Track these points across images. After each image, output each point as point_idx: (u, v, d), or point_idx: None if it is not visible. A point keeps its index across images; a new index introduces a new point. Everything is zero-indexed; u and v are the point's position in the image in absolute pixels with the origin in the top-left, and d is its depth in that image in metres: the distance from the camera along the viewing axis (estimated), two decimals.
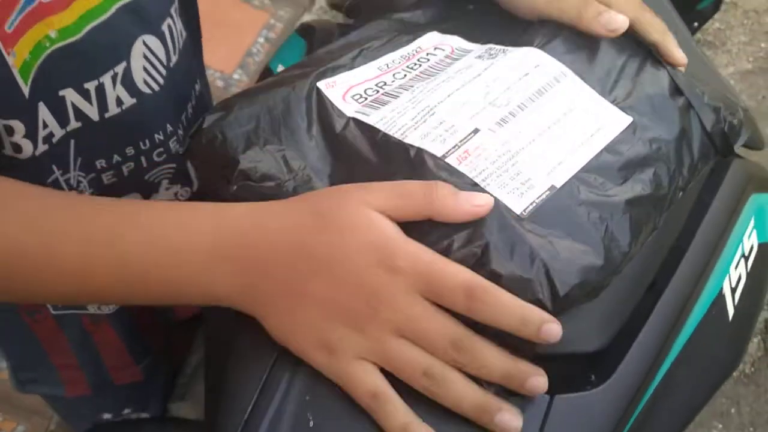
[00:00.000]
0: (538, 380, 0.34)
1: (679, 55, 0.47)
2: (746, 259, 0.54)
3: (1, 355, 1.08)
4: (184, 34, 0.57)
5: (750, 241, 0.55)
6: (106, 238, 0.38)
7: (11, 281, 0.41)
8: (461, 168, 0.37)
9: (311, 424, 0.33)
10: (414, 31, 0.50)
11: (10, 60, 0.41)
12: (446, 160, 0.38)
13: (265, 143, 0.40)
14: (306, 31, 0.67)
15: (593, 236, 0.36)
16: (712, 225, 0.51)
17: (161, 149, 0.56)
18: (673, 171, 0.42)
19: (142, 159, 0.55)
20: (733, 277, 0.51)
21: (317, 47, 0.63)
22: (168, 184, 0.60)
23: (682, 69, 0.48)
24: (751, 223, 0.57)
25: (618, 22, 0.45)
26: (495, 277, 0.34)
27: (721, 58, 2.15)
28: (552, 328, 0.33)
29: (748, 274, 0.53)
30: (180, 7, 0.56)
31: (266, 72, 0.67)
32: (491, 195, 0.36)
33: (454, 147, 0.38)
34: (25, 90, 0.43)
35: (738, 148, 0.54)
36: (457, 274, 0.34)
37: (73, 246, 0.38)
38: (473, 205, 0.35)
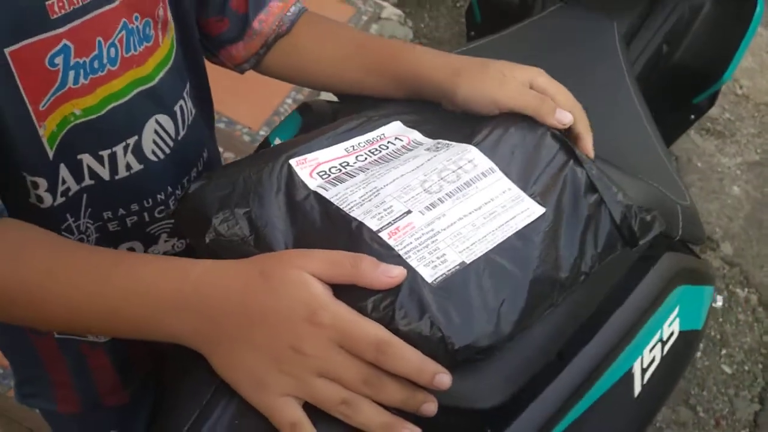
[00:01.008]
0: (429, 405, 0.42)
1: (589, 149, 0.59)
2: (663, 343, 0.60)
3: (8, 373, 1.16)
4: (194, 111, 0.67)
5: (671, 328, 0.61)
6: (94, 282, 0.46)
7: (14, 309, 0.49)
8: (390, 242, 0.45)
9: None
10: (382, 116, 0.59)
11: (40, 131, 0.51)
12: (380, 234, 0.45)
13: (236, 206, 0.49)
14: (304, 110, 0.77)
15: (489, 307, 0.43)
16: (631, 309, 0.57)
17: (162, 207, 0.65)
18: (576, 258, 0.48)
19: (145, 214, 0.64)
20: (646, 358, 0.57)
21: (312, 125, 0.72)
22: (167, 237, 0.69)
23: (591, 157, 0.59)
24: (675, 312, 0.62)
25: (568, 118, 0.57)
26: (400, 334, 0.41)
27: (729, 148, 2.22)
28: (443, 378, 0.41)
29: (663, 358, 0.59)
30: (192, 89, 0.66)
31: (264, 143, 0.76)
32: (410, 265, 0.43)
33: (387, 224, 0.46)
34: (50, 153, 0.53)
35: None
36: (369, 330, 0.41)
37: (67, 288, 0.46)
38: (389, 276, 0.42)
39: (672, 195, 0.71)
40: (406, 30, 2.39)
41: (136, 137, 0.59)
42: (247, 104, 1.90)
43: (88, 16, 0.51)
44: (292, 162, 0.52)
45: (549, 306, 0.46)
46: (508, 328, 0.43)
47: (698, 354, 1.71)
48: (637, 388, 0.55)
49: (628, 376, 0.55)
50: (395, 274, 0.42)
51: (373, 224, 0.46)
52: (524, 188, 0.51)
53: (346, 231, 0.46)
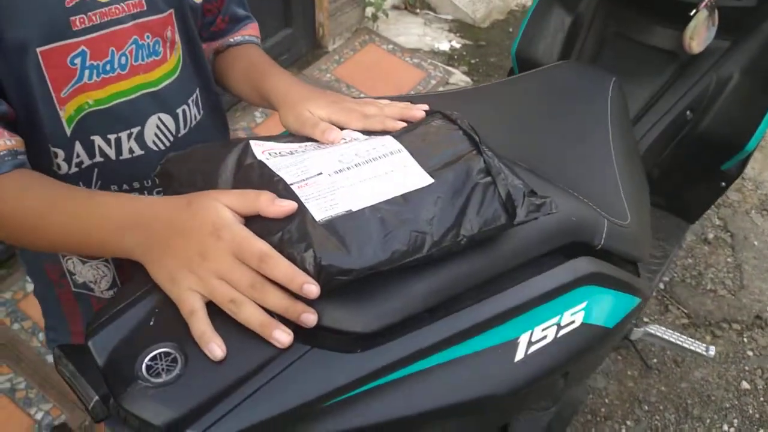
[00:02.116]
0: (308, 316, 0.52)
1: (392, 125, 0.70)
2: (560, 327, 0.67)
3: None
4: (199, 116, 0.83)
5: (573, 317, 0.69)
6: (73, 210, 0.61)
7: (21, 232, 0.64)
8: (296, 191, 0.57)
9: (151, 323, 0.53)
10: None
11: (61, 113, 0.69)
12: (291, 186, 0.58)
13: (199, 171, 0.63)
14: None
15: (362, 243, 0.53)
16: (531, 290, 0.65)
17: (159, 188, 0.80)
18: (453, 221, 0.57)
19: (145, 192, 0.80)
20: (536, 334, 0.65)
21: None
22: None
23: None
24: (581, 305, 0.70)
25: (334, 135, 0.68)
26: (285, 254, 0.52)
27: None
28: (311, 288, 0.51)
29: (555, 338, 0.66)
30: (201, 98, 0.83)
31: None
32: (306, 207, 0.55)
33: (300, 180, 0.59)
34: (68, 131, 0.71)
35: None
36: (256, 245, 0.53)
37: (57, 214, 0.61)
38: (280, 206, 0.54)
39: (608, 213, 0.78)
40: None
41: (139, 128, 0.75)
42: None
43: (104, 31, 0.67)
44: (252, 143, 0.66)
45: (418, 253, 0.56)
46: (372, 261, 0.53)
47: (731, 429, 1.65)
48: (519, 355, 0.63)
49: (513, 343, 0.62)
50: (285, 205, 0.55)
51: (289, 179, 0.59)
52: (423, 165, 0.62)
53: (270, 183, 0.59)
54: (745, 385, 1.75)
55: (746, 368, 1.79)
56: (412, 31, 2.86)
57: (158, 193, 0.81)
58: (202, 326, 0.52)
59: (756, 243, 2.11)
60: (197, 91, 0.83)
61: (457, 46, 2.82)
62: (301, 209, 0.56)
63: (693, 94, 1.43)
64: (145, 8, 0.71)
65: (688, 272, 2.02)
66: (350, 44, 2.66)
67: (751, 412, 1.70)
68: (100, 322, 0.54)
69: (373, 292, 0.56)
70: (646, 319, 1.89)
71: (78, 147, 0.73)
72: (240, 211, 0.56)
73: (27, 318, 1.70)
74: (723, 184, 1.54)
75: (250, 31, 0.94)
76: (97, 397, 0.52)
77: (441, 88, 2.54)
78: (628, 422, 1.66)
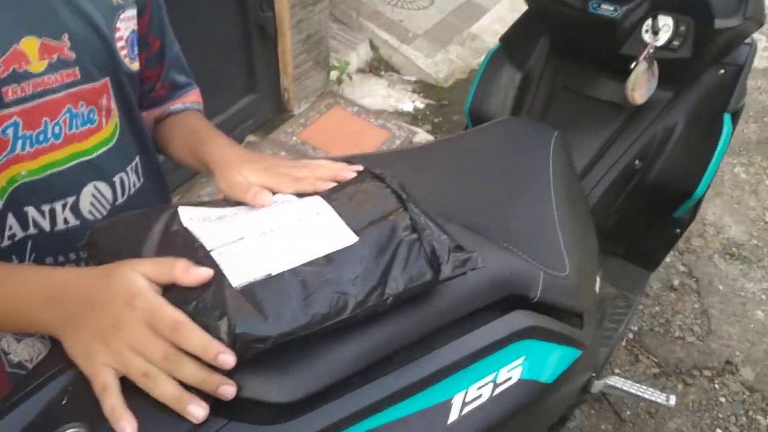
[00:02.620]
0: (226, 388, 0.50)
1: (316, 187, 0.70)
2: (496, 385, 0.66)
3: None
4: (139, 183, 0.83)
5: (509, 373, 0.67)
6: None
7: None
8: (215, 257, 0.56)
9: (64, 402, 0.51)
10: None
11: None
12: (211, 252, 0.57)
13: (125, 239, 0.62)
14: None
15: (281, 309, 0.52)
16: (464, 348, 0.64)
17: None
18: (378, 280, 0.56)
19: (82, 263, 0.78)
20: (471, 393, 0.63)
21: None
22: None
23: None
24: (518, 361, 0.69)
25: (265, 198, 0.68)
26: (200, 323, 0.51)
27: (755, 273, 2.18)
28: (226, 358, 0.49)
29: (492, 397, 0.65)
30: (141, 165, 0.83)
31: None
32: (223, 274, 0.54)
33: (221, 245, 0.58)
34: (0, 204, 0.69)
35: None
36: (169, 314, 0.52)
37: None
38: (195, 275, 0.53)
39: (546, 266, 0.78)
40: None
41: (74, 197, 0.74)
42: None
43: (37, 102, 0.66)
44: (180, 209, 0.65)
45: (341, 315, 0.55)
46: (291, 327, 0.52)
47: None
48: (453, 417, 0.61)
49: (446, 404, 0.61)
50: (200, 272, 0.54)
51: (209, 245, 0.58)
52: (349, 223, 0.61)
53: (190, 250, 0.58)
54: None
55: (720, 415, 1.77)
56: (377, 93, 2.92)
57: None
58: (112, 402, 0.50)
59: (721, 287, 2.13)
60: (137, 159, 0.83)
61: (421, 106, 2.88)
62: (219, 276, 0.55)
63: (640, 143, 1.47)
64: (79, 77, 0.70)
65: (656, 320, 2.02)
66: (316, 107, 2.71)
67: None
68: (11, 403, 0.52)
69: (296, 359, 0.55)
70: (617, 370, 1.88)
71: (11, 219, 0.71)
72: (157, 280, 0.55)
73: None
74: (677, 230, 1.57)
75: (191, 97, 0.95)
76: None
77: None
78: None
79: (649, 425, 1.74)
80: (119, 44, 0.75)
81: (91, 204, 0.77)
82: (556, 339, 0.73)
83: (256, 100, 2.51)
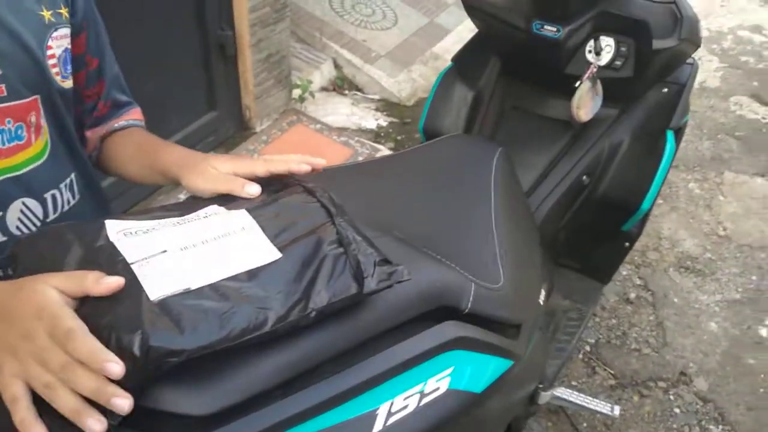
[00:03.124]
0: (119, 401, 0.49)
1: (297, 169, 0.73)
2: (423, 395, 0.67)
3: None
4: (73, 200, 0.83)
5: (437, 384, 0.68)
6: None
7: None
8: (135, 269, 0.57)
9: None
10: (205, 202, 0.73)
11: None
12: (131, 265, 0.57)
13: (47, 250, 0.62)
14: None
15: (196, 323, 0.52)
16: (390, 358, 0.65)
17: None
18: (301, 294, 0.57)
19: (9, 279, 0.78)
20: (396, 404, 0.64)
21: None
22: None
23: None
24: (447, 372, 0.70)
25: (254, 189, 0.70)
26: (112, 336, 0.51)
27: (709, 286, 2.23)
28: (113, 367, 0.49)
29: (419, 407, 0.66)
30: (77, 181, 0.83)
31: None
32: (141, 286, 0.55)
33: (142, 258, 0.58)
34: None
35: None
36: (65, 322, 0.51)
37: None
38: (105, 284, 0.54)
39: (479, 278, 0.80)
40: None
41: (0, 213, 0.74)
42: None
43: None
44: (107, 223, 0.66)
45: (260, 330, 0.55)
46: (206, 341, 0.52)
47: None
48: (378, 428, 0.62)
49: (371, 415, 0.61)
50: (111, 282, 0.54)
51: (130, 258, 0.58)
52: (274, 239, 0.62)
53: (112, 264, 0.58)
54: None
55: (674, 426, 1.80)
56: (340, 111, 2.94)
57: None
58: (22, 414, 0.50)
59: (676, 300, 2.17)
60: (72, 176, 0.83)
61: (384, 123, 2.91)
62: (136, 289, 0.55)
63: (587, 159, 1.50)
64: (6, 94, 0.71)
65: (613, 332, 2.05)
66: (278, 125, 2.72)
67: None
68: None
69: (215, 372, 0.55)
70: (574, 383, 1.90)
71: None
72: (69, 293, 0.55)
73: None
74: (626, 244, 1.60)
75: (134, 115, 0.95)
76: None
77: None
78: None
79: None
80: (50, 62, 0.75)
81: (19, 220, 0.76)
82: (485, 349, 0.75)
83: (217, 117, 2.51)
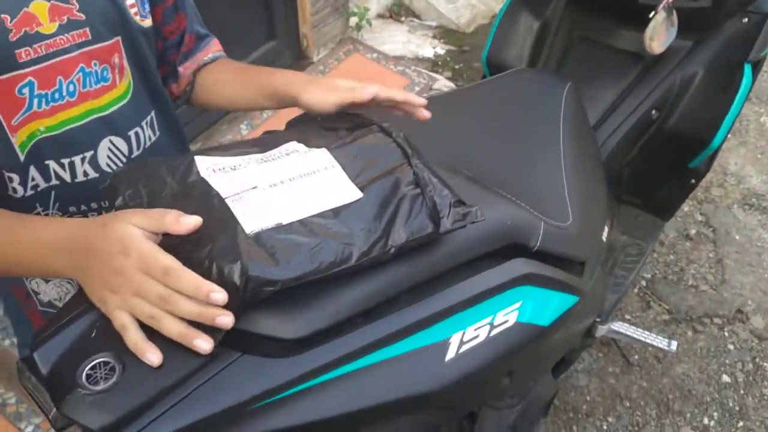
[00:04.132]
0: (222, 318, 0.54)
1: (409, 99, 0.81)
2: (493, 327, 0.70)
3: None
4: (154, 137, 0.87)
5: (506, 317, 0.72)
6: (7, 239, 0.66)
7: None
8: (230, 204, 0.60)
9: (93, 335, 0.57)
10: (283, 138, 0.75)
11: (13, 140, 0.72)
12: (225, 200, 0.61)
13: (142, 185, 0.66)
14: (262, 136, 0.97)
15: (290, 256, 0.56)
16: (462, 292, 0.68)
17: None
18: (381, 232, 0.61)
19: (103, 212, 0.83)
20: (468, 334, 0.68)
21: None
22: None
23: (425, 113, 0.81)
24: (515, 305, 0.73)
25: (373, 89, 0.77)
26: (214, 267, 0.56)
27: None
28: (217, 296, 0.53)
29: (488, 337, 0.69)
30: (157, 120, 0.87)
31: None
32: (237, 221, 0.59)
33: (235, 194, 0.62)
34: (21, 157, 0.74)
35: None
36: (160, 259, 0.55)
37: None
38: (185, 223, 0.57)
39: (548, 216, 0.81)
40: None
41: (92, 152, 0.78)
42: None
43: (50, 62, 0.70)
44: (197, 158, 0.69)
45: (346, 264, 0.59)
46: (299, 272, 0.56)
47: (712, 422, 1.67)
48: (450, 355, 0.66)
49: (444, 343, 0.66)
50: (189, 222, 0.57)
51: (224, 193, 0.62)
52: (354, 179, 0.65)
53: (206, 198, 0.62)
54: (725, 378, 1.77)
55: (727, 362, 1.81)
56: (397, 39, 2.90)
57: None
58: (133, 338, 0.56)
59: (737, 237, 2.13)
60: (152, 113, 0.87)
61: (441, 52, 2.86)
62: (232, 222, 0.59)
63: (658, 93, 1.46)
64: (90, 37, 0.74)
65: (670, 268, 2.04)
66: (335, 54, 2.71)
67: (731, 405, 1.72)
68: (44, 335, 0.58)
69: (304, 300, 0.59)
70: (628, 317, 1.92)
71: (33, 171, 0.76)
72: (149, 230, 0.59)
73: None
74: (692, 180, 1.57)
75: (216, 46, 0.97)
76: (55, 408, 0.55)
77: (425, 95, 2.57)
78: (610, 419, 1.68)
79: (656, 369, 1.79)
80: (128, 2, 0.77)
81: (108, 157, 0.81)
82: (553, 286, 0.77)
83: (275, 47, 2.52)
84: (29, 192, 0.77)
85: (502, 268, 0.72)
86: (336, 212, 0.62)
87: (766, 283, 2.00)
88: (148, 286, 0.56)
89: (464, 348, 0.67)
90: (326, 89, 0.78)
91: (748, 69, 1.39)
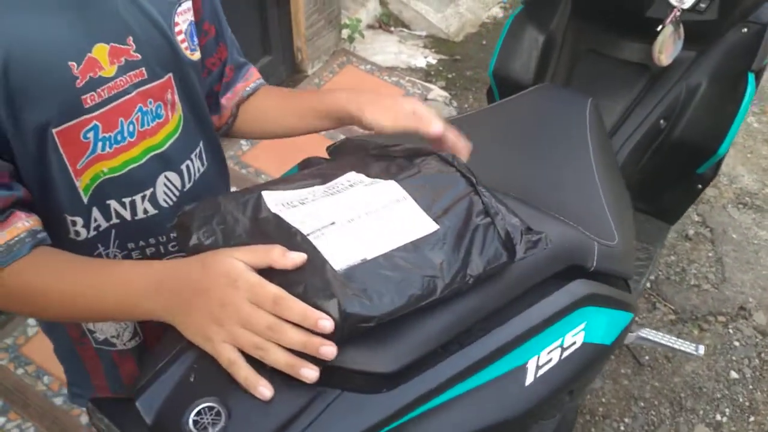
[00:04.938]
0: (327, 348, 0.55)
1: (459, 147, 0.81)
2: (563, 349, 0.73)
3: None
4: (202, 168, 0.87)
5: (574, 338, 0.74)
6: (95, 284, 0.65)
7: (50, 309, 0.68)
8: (313, 241, 0.62)
9: (192, 379, 0.58)
10: (340, 168, 0.77)
11: (77, 183, 0.73)
12: (308, 236, 0.62)
13: (216, 223, 0.67)
14: (303, 164, 0.98)
15: (380, 290, 0.58)
16: (531, 317, 0.71)
17: (174, 242, 0.85)
18: (460, 263, 0.63)
19: (161, 247, 0.84)
20: (542, 358, 0.70)
21: None
22: None
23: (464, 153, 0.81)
24: (581, 326, 0.75)
25: (439, 126, 0.79)
26: (309, 302, 0.57)
27: (767, 222, 2.24)
28: (325, 323, 0.55)
29: (561, 360, 0.72)
30: (204, 150, 0.87)
31: None
32: (324, 258, 0.60)
33: (315, 230, 0.63)
34: (85, 199, 0.74)
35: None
36: (269, 289, 0.57)
37: (79, 288, 0.65)
38: (291, 260, 0.59)
39: (596, 235, 0.84)
40: (451, 109, 2.61)
41: (151, 189, 0.79)
42: (273, 159, 2.20)
43: (112, 105, 0.71)
44: (263, 194, 0.70)
45: (432, 296, 0.61)
46: (391, 308, 0.58)
47: (724, 419, 1.72)
48: (529, 380, 0.68)
49: (522, 368, 0.68)
50: (296, 257, 0.59)
51: (304, 230, 0.64)
52: (427, 210, 0.67)
53: (287, 235, 0.63)
54: (733, 374, 1.83)
55: (734, 358, 1.87)
56: (388, 50, 2.92)
57: (173, 248, 0.85)
58: (244, 373, 0.56)
59: (734, 236, 2.20)
60: (200, 144, 0.87)
61: (433, 61, 2.89)
62: (320, 259, 0.60)
63: (665, 103, 1.50)
64: (146, 77, 0.74)
65: (672, 269, 2.09)
66: (329, 67, 2.72)
67: (741, 400, 1.77)
68: (144, 383, 0.58)
69: (392, 334, 0.61)
70: (637, 319, 1.96)
71: (95, 212, 0.76)
72: (253, 265, 0.60)
73: (30, 362, 1.72)
74: (699, 186, 1.62)
75: (255, 74, 0.98)
76: None
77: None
78: (626, 419, 1.72)
79: (667, 369, 1.83)
80: (179, 38, 0.78)
81: (165, 193, 0.82)
82: (612, 305, 0.80)
83: (271, 62, 2.52)
84: (92, 233, 0.77)
85: (566, 290, 0.75)
86: (416, 245, 0.64)
87: (765, 279, 2.07)
88: (257, 315, 0.57)
89: (540, 372, 0.69)
90: (389, 110, 0.79)
91: (751, 78, 1.44)
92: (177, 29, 0.78)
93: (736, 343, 1.90)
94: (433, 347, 0.63)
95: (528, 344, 0.69)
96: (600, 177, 1.00)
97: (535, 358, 0.69)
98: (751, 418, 1.73)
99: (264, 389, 0.56)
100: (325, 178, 0.76)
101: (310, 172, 0.78)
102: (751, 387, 1.80)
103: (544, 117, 1.13)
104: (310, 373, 0.56)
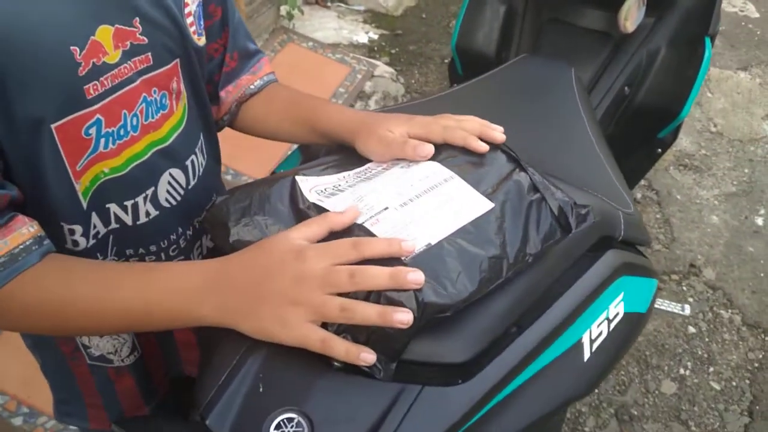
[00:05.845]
0: (414, 275, 0.52)
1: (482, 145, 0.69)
2: (610, 321, 0.72)
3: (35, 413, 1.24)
4: (205, 162, 0.79)
5: (616, 309, 0.73)
6: (135, 287, 0.57)
7: (68, 323, 0.60)
8: (372, 229, 0.58)
9: (260, 389, 0.52)
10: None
11: (77, 186, 0.63)
12: (364, 224, 0.58)
13: (254, 214, 0.62)
14: (303, 149, 0.92)
15: (451, 276, 0.55)
16: (579, 292, 0.69)
17: (174, 246, 0.77)
18: (520, 241, 0.60)
19: (162, 253, 0.76)
20: (594, 331, 0.69)
21: (306, 160, 0.86)
22: None
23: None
24: (620, 297, 0.75)
25: (426, 150, 0.68)
26: (384, 295, 0.53)
27: (706, 181, 2.36)
28: (407, 245, 0.54)
29: (610, 332, 0.71)
30: (204, 143, 0.79)
31: (273, 174, 0.90)
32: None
33: (370, 217, 0.59)
34: (84, 205, 0.65)
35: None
36: (341, 243, 0.55)
37: (117, 294, 0.58)
38: (348, 216, 0.58)
39: (616, 204, 0.84)
40: (398, 86, 2.58)
41: (153, 188, 0.71)
42: (250, 160, 2.07)
43: (116, 95, 0.62)
44: (298, 179, 0.65)
45: (499, 279, 0.58)
46: (466, 294, 0.55)
47: (687, 372, 1.80)
48: (587, 355, 0.67)
49: (578, 344, 0.67)
50: (349, 212, 0.58)
51: (359, 218, 0.59)
52: (477, 188, 0.64)
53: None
54: (691, 329, 1.92)
55: (689, 314, 1.96)
56: (328, 26, 2.84)
57: (173, 251, 0.77)
58: (343, 346, 0.52)
59: (679, 197, 2.29)
60: (201, 137, 0.79)
61: (375, 37, 2.83)
62: None
63: (628, 70, 1.53)
64: (151, 63, 0.66)
65: None
66: (270, 45, 2.61)
67: (700, 353, 1.86)
68: (209, 400, 0.52)
69: (459, 322, 0.58)
70: None
71: (94, 218, 0.68)
72: (312, 239, 0.57)
73: None
74: (659, 150, 1.66)
75: (266, 68, 0.88)
76: None
77: (369, 82, 2.55)
78: None
79: None
80: (188, 20, 0.70)
81: (167, 192, 0.73)
82: (642, 272, 0.80)
83: None
84: (91, 242, 0.68)
85: (603, 262, 0.74)
86: (475, 225, 0.60)
87: (710, 237, 2.18)
88: (334, 271, 0.53)
89: (595, 346, 0.68)
90: (380, 142, 0.71)
91: (708, 42, 1.49)
92: (187, 10, 0.69)
93: (690, 299, 2.00)
94: (499, 333, 0.60)
95: (580, 320, 0.67)
96: (599, 147, 0.99)
97: (588, 332, 0.68)
98: (711, 369, 1.82)
99: (367, 355, 0.52)
100: (352, 163, 0.71)
101: (338, 158, 0.73)
102: (707, 339, 1.90)
103: (532, 90, 1.12)
104: (405, 316, 0.51)
